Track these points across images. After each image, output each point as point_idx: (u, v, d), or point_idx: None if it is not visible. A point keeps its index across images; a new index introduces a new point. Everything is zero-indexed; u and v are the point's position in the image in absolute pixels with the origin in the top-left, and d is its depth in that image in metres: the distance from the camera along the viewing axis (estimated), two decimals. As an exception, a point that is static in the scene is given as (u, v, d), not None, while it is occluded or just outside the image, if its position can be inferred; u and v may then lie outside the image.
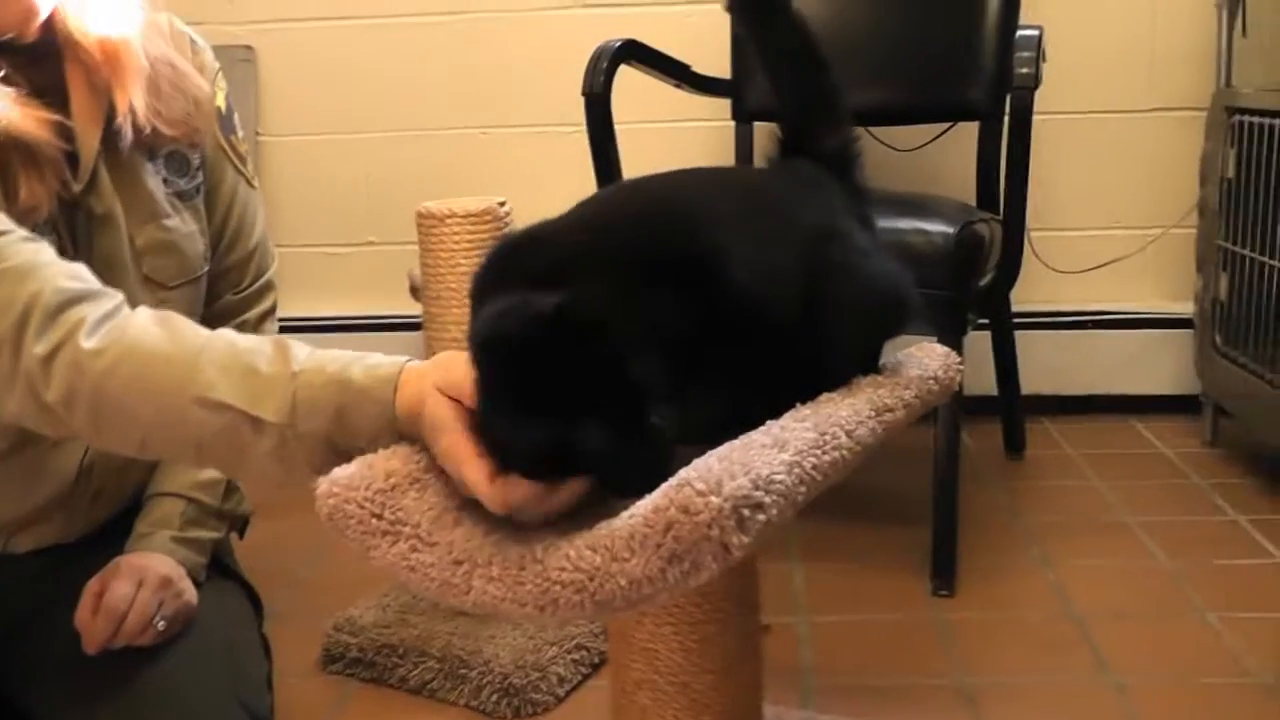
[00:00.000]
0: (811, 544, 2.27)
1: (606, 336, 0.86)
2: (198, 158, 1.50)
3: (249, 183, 1.59)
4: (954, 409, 2.07)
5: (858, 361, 1.10)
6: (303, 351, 1.06)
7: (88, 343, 1.06)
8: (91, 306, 1.09)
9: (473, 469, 0.91)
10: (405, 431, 1.00)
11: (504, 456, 0.90)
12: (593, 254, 0.95)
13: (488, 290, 0.95)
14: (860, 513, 2.42)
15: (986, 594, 2.07)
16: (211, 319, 1.55)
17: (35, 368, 1.06)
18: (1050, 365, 2.96)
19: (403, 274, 2.40)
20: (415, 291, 2.31)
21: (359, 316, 3.10)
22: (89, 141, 1.38)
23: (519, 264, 0.96)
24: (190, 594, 1.45)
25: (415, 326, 3.01)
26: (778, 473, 0.85)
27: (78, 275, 1.12)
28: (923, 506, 2.15)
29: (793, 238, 1.03)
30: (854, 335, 1.07)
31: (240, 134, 1.58)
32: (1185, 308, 2.90)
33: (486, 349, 0.90)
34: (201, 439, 1.04)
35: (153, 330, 1.07)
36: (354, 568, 2.30)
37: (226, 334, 1.09)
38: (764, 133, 2.72)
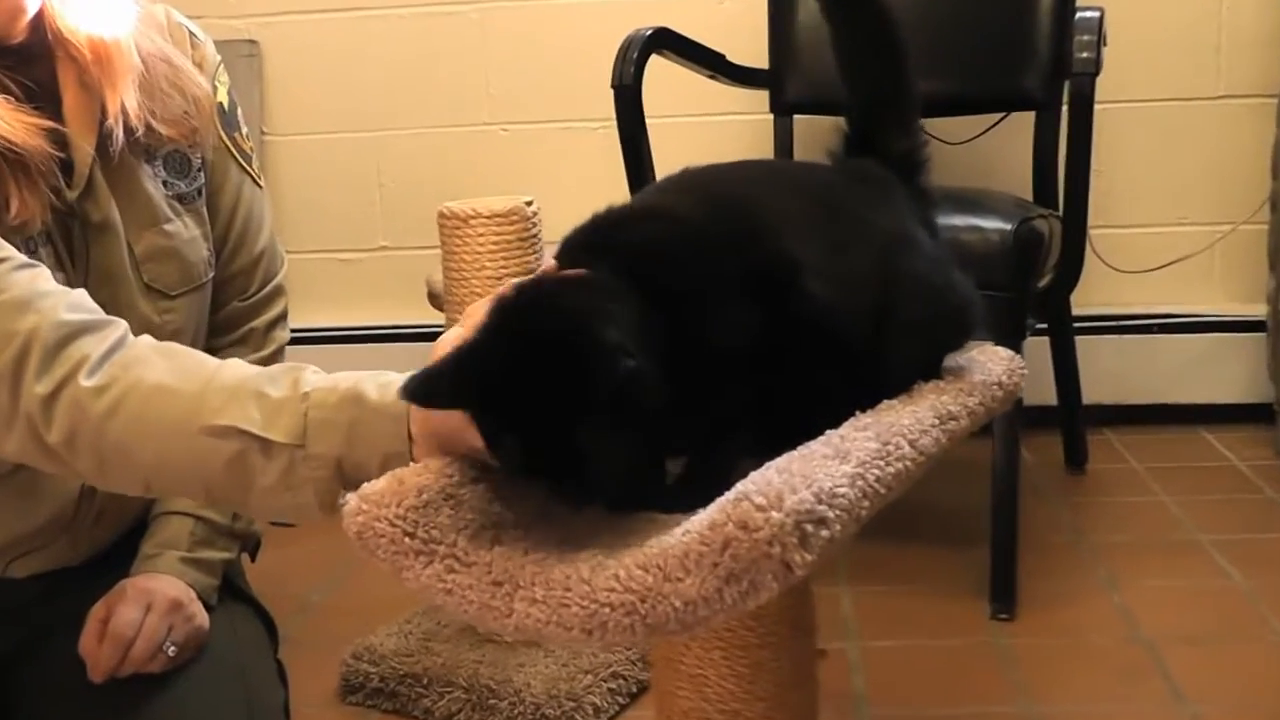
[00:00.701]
0: (860, 565, 2.27)
1: (657, 408, 0.89)
2: (199, 158, 1.50)
3: (255, 181, 1.59)
4: (1014, 419, 2.07)
5: (920, 372, 1.10)
6: (315, 375, 1.08)
7: (89, 380, 1.07)
8: (94, 340, 1.10)
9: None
10: (422, 449, 1.01)
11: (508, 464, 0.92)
12: (681, 249, 0.97)
13: (578, 257, 0.97)
14: (912, 531, 2.41)
15: (1049, 618, 2.06)
16: (218, 327, 1.56)
17: (36, 408, 1.08)
18: (1113, 372, 2.94)
19: (419, 280, 2.41)
20: (435, 299, 2.32)
21: (372, 327, 3.11)
22: (83, 146, 1.38)
23: (615, 238, 0.98)
24: (201, 618, 1.46)
25: (435, 337, 3.00)
26: (840, 485, 0.85)
27: (78, 305, 1.13)
28: (979, 524, 2.15)
29: (867, 244, 1.04)
30: (920, 349, 1.08)
31: (245, 130, 1.59)
32: (1257, 309, 2.88)
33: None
34: (209, 471, 1.05)
35: (158, 364, 1.09)
36: (372, 593, 2.35)
37: (234, 363, 1.11)
38: (804, 127, 2.72)
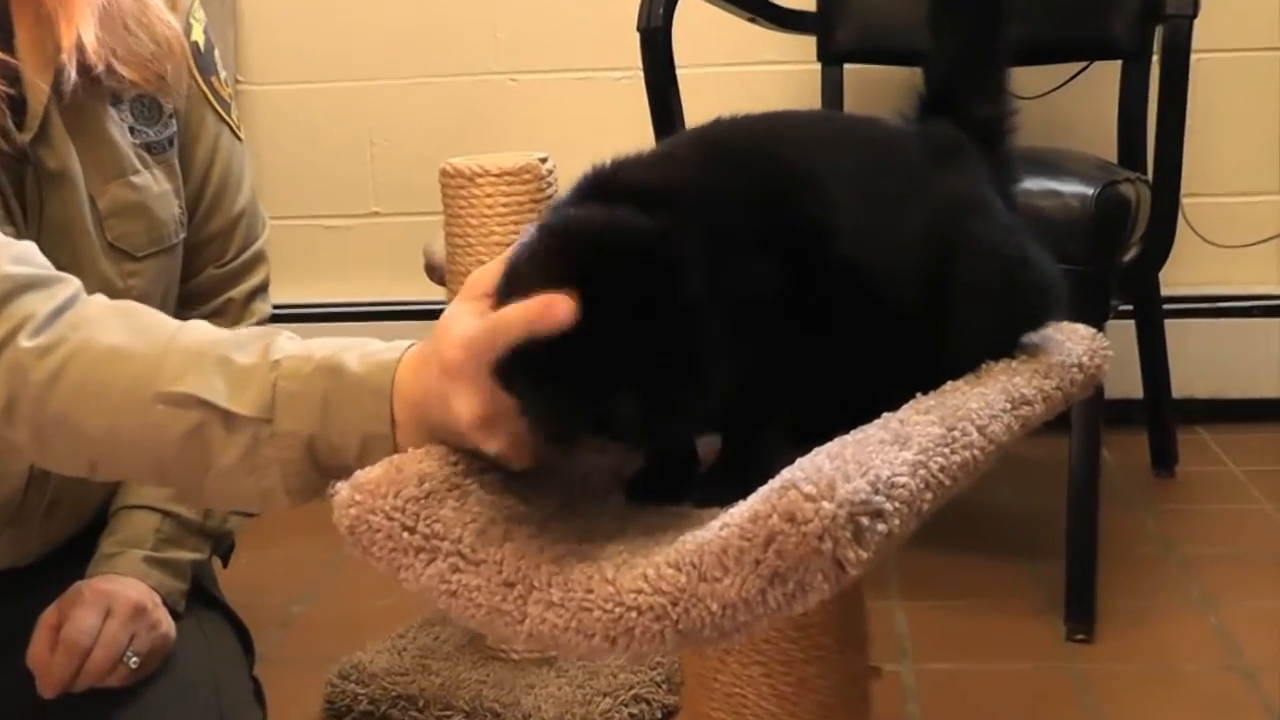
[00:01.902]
0: (915, 576, 2.27)
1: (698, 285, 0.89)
2: (170, 104, 1.50)
3: (234, 133, 1.59)
4: (1094, 411, 2.06)
5: (990, 352, 1.10)
6: (289, 341, 1.07)
7: (31, 341, 1.07)
8: (41, 298, 1.10)
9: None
10: (407, 434, 1.01)
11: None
12: (694, 195, 0.96)
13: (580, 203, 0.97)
14: (974, 538, 2.41)
15: (1133, 640, 2.05)
16: (190, 296, 1.56)
17: None
18: (1207, 361, 2.94)
19: (416, 250, 2.41)
20: (433, 271, 2.32)
21: (363, 303, 3.13)
22: (37, 83, 1.38)
23: (620, 181, 0.99)
24: (167, 625, 1.46)
25: (435, 314, 3.00)
26: (900, 474, 0.85)
27: (25, 258, 1.13)
28: (1053, 533, 2.14)
29: (924, 202, 1.04)
30: (987, 321, 1.08)
31: (223, 75, 1.59)
32: (1375, 290, 2.88)
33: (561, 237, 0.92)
34: (162, 446, 1.05)
35: (111, 322, 1.09)
36: (361, 602, 2.35)
37: (198, 324, 1.11)
38: (856, 78, 2.72)
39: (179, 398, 1.04)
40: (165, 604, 1.48)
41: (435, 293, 2.28)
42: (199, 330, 1.09)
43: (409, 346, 1.04)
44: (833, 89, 2.74)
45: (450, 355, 0.96)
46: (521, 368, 0.90)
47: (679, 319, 0.89)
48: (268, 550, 2.11)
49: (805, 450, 0.89)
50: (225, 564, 1.68)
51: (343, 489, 0.94)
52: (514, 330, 0.89)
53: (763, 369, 0.96)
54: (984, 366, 1.08)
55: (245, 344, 1.06)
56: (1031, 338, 1.16)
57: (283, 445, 1.03)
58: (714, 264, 0.92)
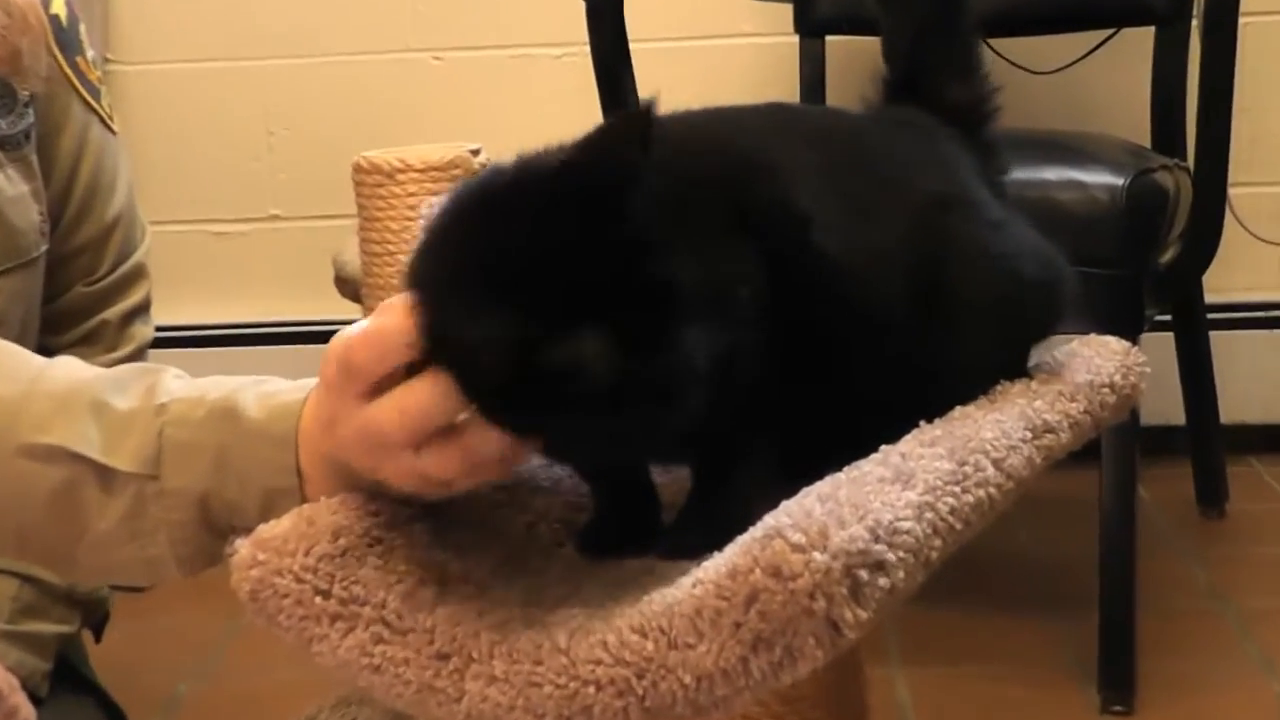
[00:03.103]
0: (919, 638, 2.27)
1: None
2: (26, 90, 1.50)
3: (105, 124, 1.59)
4: (1129, 440, 2.08)
5: (995, 369, 1.11)
6: (177, 381, 1.07)
7: None
8: None
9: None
10: (318, 485, 1.01)
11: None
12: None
13: None
14: (989, 593, 2.42)
15: (1181, 710, 2.07)
16: (56, 320, 1.56)
17: None
18: (1261, 380, 2.96)
19: (324, 260, 2.41)
20: (345, 284, 2.32)
21: (261, 324, 3.13)
22: None
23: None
24: (26, 712, 1.45)
25: None
26: (903, 518, 0.85)
27: None
28: (1083, 584, 2.15)
29: (900, 206, 1.06)
30: (988, 336, 1.09)
31: (90, 55, 1.59)
32: None
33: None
34: (24, 510, 1.04)
35: None
36: (262, 680, 2.33)
37: (67, 361, 1.10)
38: (840, 51, 2.73)
39: (44, 450, 1.03)
40: (25, 687, 1.46)
41: (348, 310, 2.27)
42: (69, 368, 1.08)
43: (317, 384, 1.03)
44: (813, 65, 2.76)
45: (326, 370, 0.96)
46: (451, 280, 0.89)
47: (655, 246, 0.89)
48: (148, 620, 2.10)
49: (790, 491, 0.89)
50: (98, 638, 1.68)
51: (243, 547, 0.94)
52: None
53: (741, 378, 0.96)
54: (998, 389, 1.08)
55: (125, 384, 1.06)
56: (1054, 355, 1.17)
57: (171, 505, 1.02)
58: (678, 245, 0.92)
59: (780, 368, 0.98)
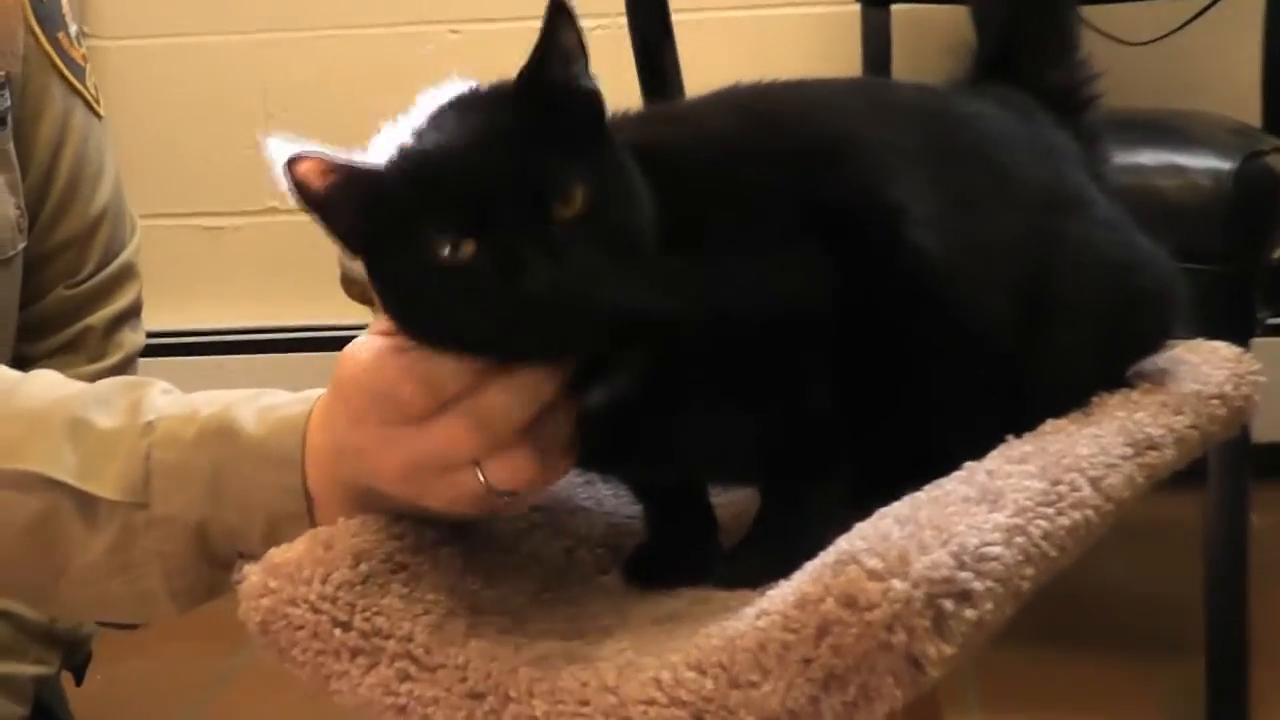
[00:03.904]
0: (1001, 681, 2.27)
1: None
2: (1, 72, 1.51)
3: (90, 107, 1.60)
4: (1239, 457, 2.07)
5: (1100, 381, 1.12)
6: (165, 396, 1.08)
7: None
8: None
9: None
10: (329, 508, 1.01)
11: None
12: (713, 159, 0.99)
13: None
14: (1081, 631, 2.41)
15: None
16: (35, 325, 1.57)
17: None
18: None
19: (328, 257, 2.41)
20: (352, 285, 2.32)
21: (258, 329, 3.14)
22: None
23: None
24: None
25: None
26: (991, 543, 0.85)
27: None
28: (1188, 621, 2.14)
29: (1009, 202, 1.06)
30: (1093, 349, 1.09)
31: (73, 30, 1.60)
32: None
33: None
34: None
35: None
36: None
37: (44, 376, 1.11)
38: (907, 21, 2.73)
39: (18, 477, 1.04)
40: (-3, 735, 1.48)
41: (356, 313, 2.28)
42: (45, 384, 1.09)
43: (320, 396, 1.04)
44: (877, 36, 2.75)
45: (350, 399, 0.97)
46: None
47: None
48: (134, 660, 2.11)
49: (863, 513, 0.89)
50: (79, 680, 1.68)
51: (253, 573, 0.94)
52: None
53: (810, 390, 0.98)
54: (1095, 400, 1.08)
55: (107, 401, 1.06)
56: (1155, 361, 1.17)
57: (163, 535, 1.03)
58: (735, 247, 0.95)
59: (860, 377, 0.99)
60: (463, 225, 0.90)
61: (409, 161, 0.92)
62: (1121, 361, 1.14)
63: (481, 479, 0.94)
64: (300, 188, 0.91)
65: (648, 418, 0.97)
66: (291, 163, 0.91)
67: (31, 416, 1.05)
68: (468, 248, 0.89)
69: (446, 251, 0.90)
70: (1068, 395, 1.09)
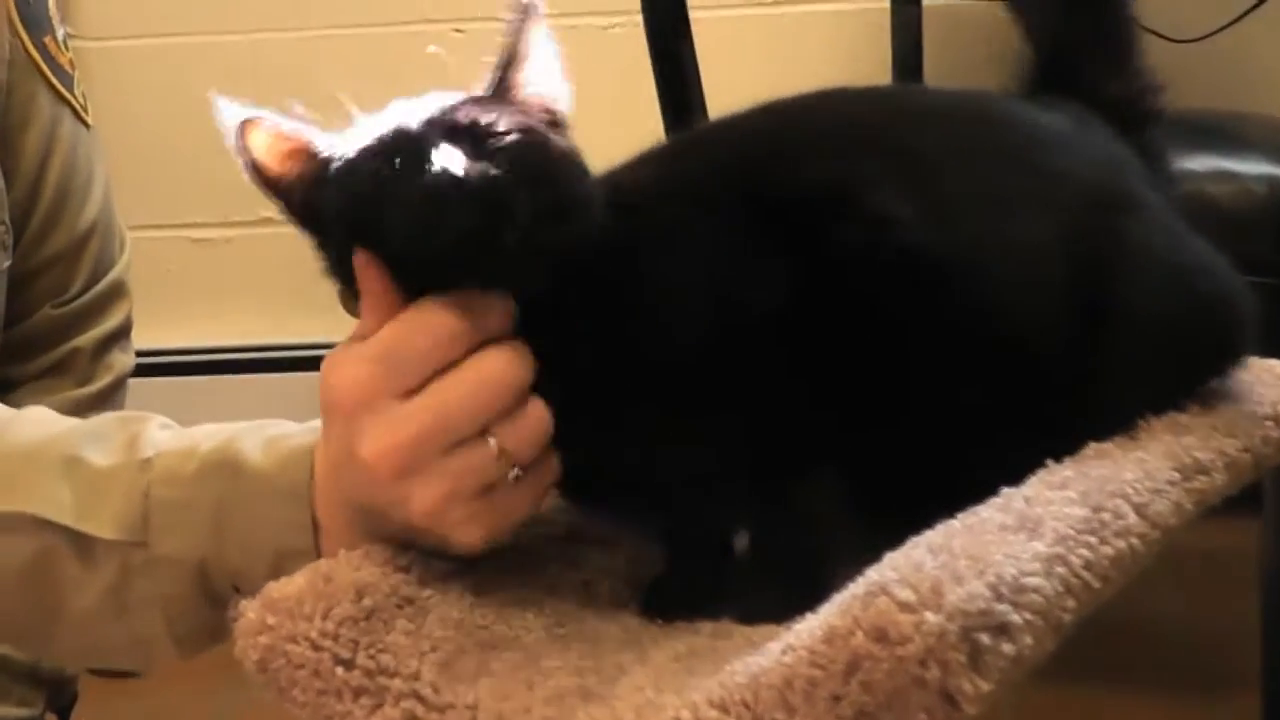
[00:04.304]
0: (1039, 719, 2.27)
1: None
2: (-18, 76, 1.51)
3: (78, 116, 1.60)
4: (1295, 481, 2.07)
5: (1162, 398, 1.11)
6: (164, 431, 1.09)
7: None
8: None
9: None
10: (336, 538, 1.02)
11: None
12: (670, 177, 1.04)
13: None
14: (1126, 667, 2.41)
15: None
16: (19, 347, 1.57)
17: None
18: None
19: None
20: (350, 300, 2.34)
21: (249, 348, 3.14)
22: None
23: None
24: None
25: None
26: (1030, 573, 0.85)
27: None
28: (1239, 657, 2.14)
29: (1052, 201, 1.06)
30: (1163, 366, 1.08)
31: (60, 34, 1.60)
32: None
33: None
34: None
35: None
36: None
37: (35, 413, 1.12)
38: (942, 20, 2.73)
39: (9, 519, 1.04)
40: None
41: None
42: (36, 421, 1.10)
43: (322, 418, 1.04)
44: (907, 35, 2.75)
45: (337, 394, 0.98)
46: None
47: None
48: (123, 702, 2.11)
49: (887, 532, 0.89)
50: (64, 720, 1.69)
51: (250, 609, 0.95)
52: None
53: (758, 402, 0.99)
54: (1140, 422, 1.08)
55: (102, 437, 1.07)
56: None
57: (163, 576, 1.04)
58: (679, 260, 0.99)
59: (831, 387, 0.99)
60: (388, 144, 0.99)
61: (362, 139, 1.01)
62: (1185, 382, 1.13)
63: (493, 445, 0.95)
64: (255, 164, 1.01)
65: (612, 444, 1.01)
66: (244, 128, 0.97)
67: (23, 455, 1.06)
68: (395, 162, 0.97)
69: (377, 168, 0.97)
70: (1119, 416, 1.08)
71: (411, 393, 0.95)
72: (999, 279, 1.03)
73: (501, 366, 0.95)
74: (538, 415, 0.96)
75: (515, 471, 0.96)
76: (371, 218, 0.96)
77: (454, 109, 1.01)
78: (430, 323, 0.95)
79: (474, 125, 0.98)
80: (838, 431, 1.00)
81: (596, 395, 0.99)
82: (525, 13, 1.02)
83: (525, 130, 0.99)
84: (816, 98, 1.11)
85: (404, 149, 0.97)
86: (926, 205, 1.02)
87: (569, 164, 1.00)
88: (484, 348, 0.95)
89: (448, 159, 0.95)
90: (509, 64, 1.05)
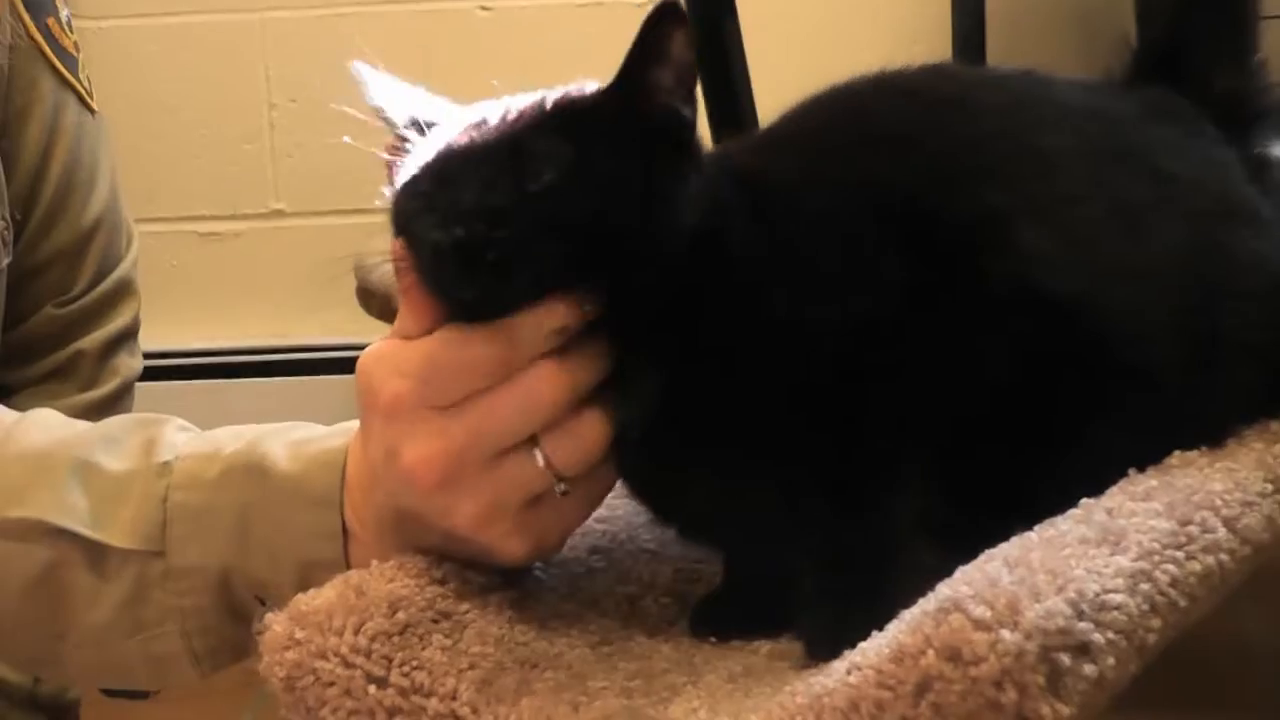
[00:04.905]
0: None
1: None
2: (-18, 63, 1.52)
3: (83, 102, 1.61)
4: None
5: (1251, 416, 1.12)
6: (182, 434, 1.09)
7: None
8: None
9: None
10: (367, 547, 1.03)
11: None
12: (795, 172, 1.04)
13: None
14: (1210, 695, 2.40)
15: None
16: (20, 350, 1.59)
17: None
18: None
19: (344, 268, 2.43)
20: (371, 297, 2.34)
21: (260, 349, 3.13)
22: None
23: None
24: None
25: None
26: (1114, 590, 0.85)
27: None
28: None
29: (1172, 207, 1.06)
30: (1268, 379, 1.09)
31: (64, 15, 1.61)
32: None
33: None
34: None
35: None
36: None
37: (44, 416, 1.13)
38: (1006, 4, 2.73)
39: (18, 526, 1.05)
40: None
41: (374, 329, 2.28)
42: (45, 424, 1.11)
43: (361, 418, 1.05)
44: (969, 17, 2.75)
45: (378, 392, 0.98)
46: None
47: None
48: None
49: (962, 554, 0.90)
50: (66, 747, 1.69)
51: (276, 622, 0.95)
52: None
53: (874, 419, 0.99)
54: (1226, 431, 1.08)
55: (116, 441, 1.08)
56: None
57: (183, 588, 1.04)
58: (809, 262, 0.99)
59: (934, 407, 1.00)
60: (432, 164, 0.99)
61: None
62: None
63: (540, 461, 0.96)
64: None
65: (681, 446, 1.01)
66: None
67: (33, 460, 1.07)
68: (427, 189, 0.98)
69: (414, 188, 0.99)
70: (1210, 426, 1.08)
71: (454, 405, 0.96)
72: (1124, 305, 1.03)
73: (548, 379, 0.95)
74: (590, 428, 0.97)
75: (562, 486, 0.97)
76: (404, 235, 0.98)
77: (518, 124, 1.01)
78: (473, 351, 0.96)
79: (526, 152, 0.98)
80: (929, 450, 1.00)
81: (700, 398, 0.99)
82: (668, 14, 1.00)
83: (577, 170, 0.98)
84: (934, 79, 1.13)
85: (438, 174, 0.99)
86: (1063, 232, 1.02)
87: (624, 204, 0.98)
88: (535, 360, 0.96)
89: (460, 205, 0.96)
90: (643, 61, 1.03)
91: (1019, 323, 1.00)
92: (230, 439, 1.07)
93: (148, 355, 1.75)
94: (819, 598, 1.01)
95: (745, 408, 0.99)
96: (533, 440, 0.96)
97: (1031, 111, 1.10)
